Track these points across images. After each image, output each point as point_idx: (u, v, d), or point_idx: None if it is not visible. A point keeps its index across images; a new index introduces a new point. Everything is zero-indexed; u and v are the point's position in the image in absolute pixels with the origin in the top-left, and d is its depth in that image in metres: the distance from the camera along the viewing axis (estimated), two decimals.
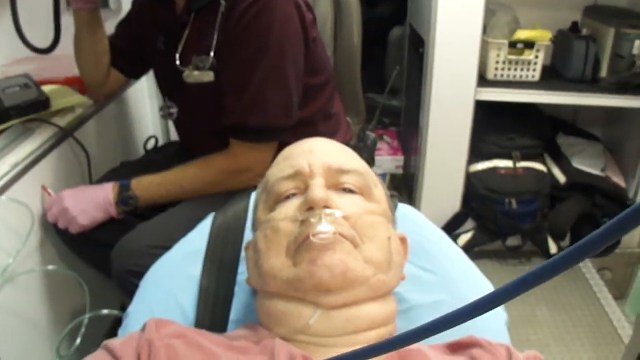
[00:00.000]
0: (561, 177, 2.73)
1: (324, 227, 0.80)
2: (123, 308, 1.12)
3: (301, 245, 0.81)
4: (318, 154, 0.91)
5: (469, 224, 2.73)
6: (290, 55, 1.52)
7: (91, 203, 1.59)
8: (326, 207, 0.83)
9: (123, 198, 1.59)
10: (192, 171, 1.62)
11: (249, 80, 1.50)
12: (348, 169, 0.91)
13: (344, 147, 0.99)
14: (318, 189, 0.84)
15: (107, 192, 1.60)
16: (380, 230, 0.87)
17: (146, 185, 1.61)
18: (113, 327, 1.87)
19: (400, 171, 3.06)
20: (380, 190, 0.95)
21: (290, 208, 0.87)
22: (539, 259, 2.78)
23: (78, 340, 1.51)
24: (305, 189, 0.87)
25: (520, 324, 2.38)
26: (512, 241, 2.74)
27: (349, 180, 0.90)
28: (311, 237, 0.79)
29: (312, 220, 0.81)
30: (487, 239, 2.72)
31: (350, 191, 0.90)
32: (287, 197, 0.89)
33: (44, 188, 1.61)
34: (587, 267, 2.74)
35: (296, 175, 0.89)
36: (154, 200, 1.62)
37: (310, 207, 0.83)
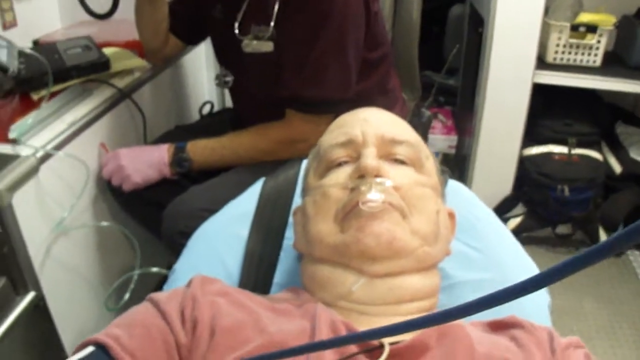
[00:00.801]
0: (617, 167, 2.68)
1: (373, 196, 0.80)
2: (170, 267, 1.15)
3: (350, 212, 0.81)
4: (372, 124, 0.91)
5: (520, 208, 2.70)
6: (352, 30, 1.51)
7: (146, 162, 1.62)
8: (377, 176, 0.83)
9: (178, 159, 1.62)
10: (247, 139, 1.63)
11: (308, 54, 1.49)
12: (401, 139, 0.91)
13: (397, 118, 0.98)
14: (370, 158, 0.84)
15: (162, 152, 1.62)
16: (429, 203, 0.87)
17: (201, 149, 1.63)
18: (160, 285, 1.89)
19: (453, 151, 3.04)
20: (431, 164, 0.95)
21: (341, 175, 0.87)
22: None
23: (127, 296, 1.55)
24: (357, 158, 0.87)
25: (565, 314, 2.34)
26: (562, 229, 2.71)
27: (401, 152, 0.90)
28: (360, 205, 0.80)
29: (363, 188, 0.81)
30: (536, 225, 2.69)
31: (402, 162, 0.90)
32: (339, 165, 0.90)
33: (102, 145, 1.64)
34: (638, 261, 2.69)
35: (349, 143, 0.90)
36: (208, 164, 1.64)
37: (361, 175, 0.83)
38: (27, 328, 1.39)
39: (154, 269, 1.54)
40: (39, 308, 1.41)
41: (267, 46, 1.55)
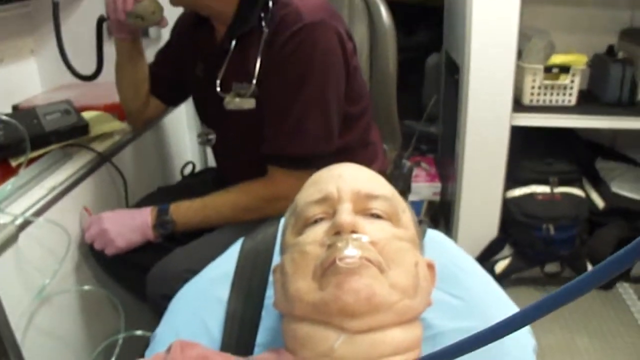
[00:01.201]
0: (600, 202, 2.70)
1: (350, 252, 0.80)
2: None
3: (328, 269, 0.81)
4: (347, 179, 0.92)
5: (507, 250, 2.70)
6: (333, 85, 1.53)
7: (129, 226, 1.61)
8: (353, 232, 0.83)
9: (161, 222, 1.61)
10: (230, 197, 1.63)
11: (290, 109, 1.51)
12: (376, 194, 0.91)
13: (372, 172, 0.99)
14: (346, 214, 0.84)
15: (145, 216, 1.62)
16: (407, 256, 0.87)
17: (184, 211, 1.62)
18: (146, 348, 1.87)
19: (437, 198, 3.05)
20: (408, 216, 0.95)
21: (318, 232, 0.87)
22: None
23: None
24: (333, 214, 0.88)
25: (559, 352, 2.33)
26: (551, 267, 2.71)
27: (377, 206, 0.90)
28: (338, 262, 0.79)
29: (339, 244, 0.81)
30: (525, 265, 2.69)
31: (378, 217, 0.90)
32: (316, 222, 0.90)
33: (85, 209, 1.64)
34: (628, 293, 2.70)
35: (325, 199, 0.90)
36: (192, 225, 1.63)
37: (337, 232, 0.84)
38: None
39: (138, 332, 1.52)
40: None
41: (249, 103, 1.57)
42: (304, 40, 1.47)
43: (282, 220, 1.07)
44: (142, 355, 0.88)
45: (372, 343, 0.81)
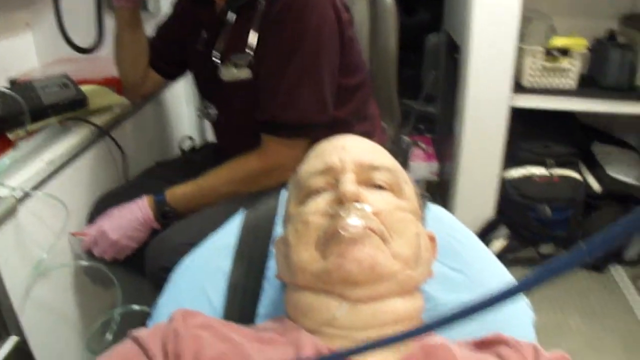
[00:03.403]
0: (596, 186, 2.71)
1: (353, 221, 0.80)
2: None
3: (330, 239, 0.81)
4: (350, 151, 0.92)
5: (503, 230, 2.71)
6: (326, 53, 1.52)
7: (134, 228, 1.59)
8: (356, 201, 0.84)
9: (162, 214, 1.61)
10: (224, 174, 1.62)
11: (283, 77, 1.50)
12: (379, 165, 0.91)
13: (375, 144, 0.99)
14: (349, 184, 0.84)
15: (146, 212, 1.60)
16: (409, 227, 0.87)
17: (181, 197, 1.61)
18: (143, 323, 1.86)
19: (435, 178, 3.05)
20: (410, 188, 0.95)
21: (320, 202, 0.87)
22: None
23: (109, 336, 1.53)
24: (336, 185, 0.88)
25: (551, 332, 2.35)
26: (546, 249, 2.73)
27: (379, 177, 0.90)
28: (340, 231, 0.80)
29: (342, 214, 0.82)
30: (520, 246, 2.70)
31: (381, 187, 0.90)
32: (318, 192, 0.90)
33: (73, 234, 1.62)
34: (620, 275, 2.71)
35: (328, 170, 0.90)
36: (192, 208, 1.62)
37: (340, 202, 0.84)
38: None
39: (135, 306, 1.52)
40: (22, 352, 1.39)
41: (246, 73, 1.56)
42: (299, 8, 1.47)
43: (284, 192, 1.07)
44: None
45: (373, 312, 0.82)
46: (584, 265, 2.70)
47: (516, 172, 2.63)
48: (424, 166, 3.01)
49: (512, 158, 2.62)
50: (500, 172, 2.59)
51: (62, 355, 1.62)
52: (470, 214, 2.64)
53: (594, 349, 2.28)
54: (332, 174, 0.90)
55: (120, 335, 1.48)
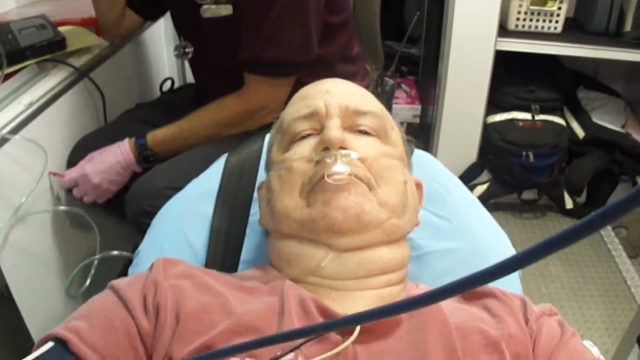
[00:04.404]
0: (580, 132, 2.70)
1: (339, 168, 0.79)
2: (135, 250, 1.12)
3: (316, 186, 0.80)
4: (335, 95, 0.90)
5: (485, 175, 2.71)
6: None
7: (115, 171, 1.57)
8: (342, 148, 0.82)
9: (144, 157, 1.58)
10: (206, 116, 1.59)
11: (267, 14, 1.46)
12: (365, 110, 0.89)
13: (361, 89, 0.96)
14: (334, 130, 0.82)
15: (127, 155, 1.57)
16: (396, 174, 0.85)
17: (162, 140, 1.58)
18: (124, 269, 1.87)
19: (417, 120, 3.03)
20: (397, 134, 0.93)
21: (305, 148, 0.85)
22: (554, 213, 2.77)
23: (88, 281, 1.52)
24: (321, 130, 0.86)
25: (532, 278, 2.37)
26: (528, 195, 2.73)
27: (365, 122, 0.88)
28: (326, 178, 0.78)
29: (328, 160, 0.80)
30: (502, 191, 2.70)
31: (367, 133, 0.88)
32: (303, 138, 0.88)
33: (53, 173, 1.59)
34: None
35: (312, 115, 0.88)
36: (174, 151, 1.59)
37: (325, 148, 0.82)
38: None
39: (114, 252, 1.51)
40: (4, 297, 1.37)
41: (227, 9, 1.51)
42: None
43: (267, 137, 1.05)
44: (122, 275, 0.87)
45: (359, 261, 0.81)
46: (565, 211, 2.72)
47: (500, 117, 2.62)
48: (407, 109, 2.98)
49: (496, 102, 2.60)
50: (484, 116, 2.57)
51: (44, 299, 1.61)
52: (453, 158, 2.63)
53: (574, 296, 2.31)
54: (317, 119, 0.87)
55: (100, 281, 1.48)
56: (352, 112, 0.88)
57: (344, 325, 0.51)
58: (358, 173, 0.80)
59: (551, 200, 2.73)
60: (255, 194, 1.10)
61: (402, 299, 0.42)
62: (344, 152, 0.81)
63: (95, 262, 1.50)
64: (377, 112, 0.91)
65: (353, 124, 0.88)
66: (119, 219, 1.59)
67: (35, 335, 1.50)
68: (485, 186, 2.68)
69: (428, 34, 2.99)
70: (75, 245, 1.72)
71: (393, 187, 0.84)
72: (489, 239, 1.09)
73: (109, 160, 1.57)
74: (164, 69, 2.48)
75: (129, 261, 1.12)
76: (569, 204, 2.70)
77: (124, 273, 1.88)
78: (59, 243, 1.66)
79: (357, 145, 0.84)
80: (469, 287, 0.37)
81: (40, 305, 1.57)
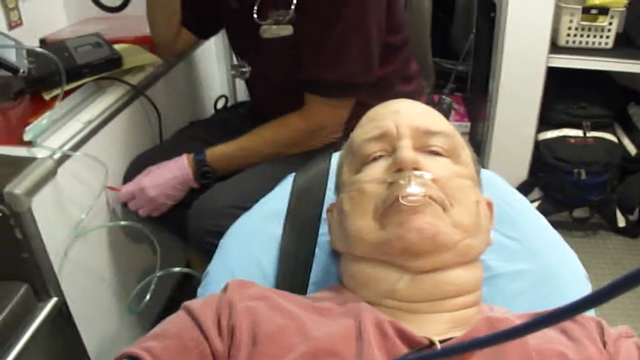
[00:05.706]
0: (632, 149, 2.65)
1: (413, 190, 0.78)
2: (188, 266, 1.12)
3: (390, 208, 0.79)
4: (405, 115, 0.89)
5: (536, 193, 2.67)
6: (373, 10, 1.47)
7: (172, 187, 1.58)
8: (415, 169, 0.81)
9: (202, 173, 1.59)
10: (267, 134, 1.60)
11: (329, 34, 1.45)
12: (436, 130, 0.88)
13: (430, 108, 0.96)
14: (407, 150, 0.82)
15: (185, 171, 1.58)
16: (469, 194, 0.84)
17: (221, 157, 1.59)
18: (179, 283, 1.89)
19: (466, 138, 3.00)
20: (467, 154, 0.92)
21: (377, 170, 0.84)
22: (606, 231, 2.72)
23: (148, 296, 1.53)
24: (392, 151, 0.85)
25: None
26: (580, 213, 2.68)
27: (436, 143, 0.87)
28: (400, 200, 0.77)
29: (401, 182, 0.79)
30: (554, 209, 2.66)
31: (438, 154, 0.87)
32: (374, 159, 0.87)
33: (110, 187, 1.60)
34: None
35: (383, 136, 0.87)
36: (232, 169, 1.60)
37: (398, 169, 0.81)
38: (50, 335, 1.37)
39: (176, 269, 1.52)
40: (62, 314, 1.39)
41: (287, 29, 1.51)
42: None
43: (335, 156, 1.04)
44: (177, 290, 0.87)
45: (435, 283, 0.80)
46: (617, 229, 2.67)
47: (551, 134, 2.58)
48: (456, 126, 2.94)
49: (547, 119, 2.56)
50: (535, 133, 2.54)
51: (102, 317, 1.62)
52: (504, 176, 2.54)
53: (629, 316, 2.26)
54: (388, 140, 0.87)
55: (156, 295, 1.49)
56: (422, 133, 0.87)
57: (458, 352, 0.50)
58: (432, 194, 0.79)
59: (603, 219, 2.69)
60: (324, 215, 1.09)
61: (514, 326, 0.42)
62: (417, 173, 0.80)
63: (156, 278, 1.51)
64: (447, 132, 0.90)
65: (424, 145, 0.87)
66: (171, 234, 1.59)
67: (92, 351, 1.51)
68: (536, 204, 2.64)
69: (477, 50, 2.97)
70: (133, 261, 1.74)
71: (466, 207, 0.83)
72: (560, 260, 1.07)
73: (166, 175, 1.58)
74: (216, 86, 2.50)
75: (184, 276, 1.12)
76: (621, 222, 2.65)
77: (179, 287, 1.90)
78: (118, 259, 1.68)
79: (430, 166, 0.83)
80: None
81: (97, 322, 1.59)
